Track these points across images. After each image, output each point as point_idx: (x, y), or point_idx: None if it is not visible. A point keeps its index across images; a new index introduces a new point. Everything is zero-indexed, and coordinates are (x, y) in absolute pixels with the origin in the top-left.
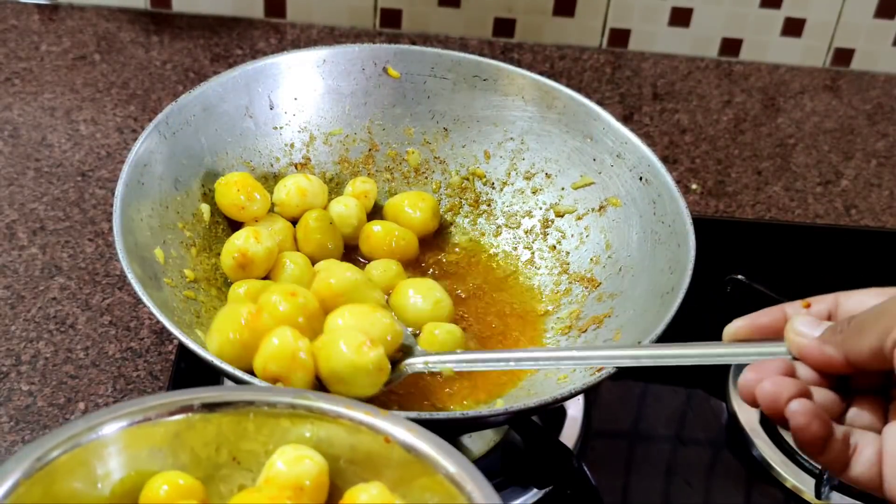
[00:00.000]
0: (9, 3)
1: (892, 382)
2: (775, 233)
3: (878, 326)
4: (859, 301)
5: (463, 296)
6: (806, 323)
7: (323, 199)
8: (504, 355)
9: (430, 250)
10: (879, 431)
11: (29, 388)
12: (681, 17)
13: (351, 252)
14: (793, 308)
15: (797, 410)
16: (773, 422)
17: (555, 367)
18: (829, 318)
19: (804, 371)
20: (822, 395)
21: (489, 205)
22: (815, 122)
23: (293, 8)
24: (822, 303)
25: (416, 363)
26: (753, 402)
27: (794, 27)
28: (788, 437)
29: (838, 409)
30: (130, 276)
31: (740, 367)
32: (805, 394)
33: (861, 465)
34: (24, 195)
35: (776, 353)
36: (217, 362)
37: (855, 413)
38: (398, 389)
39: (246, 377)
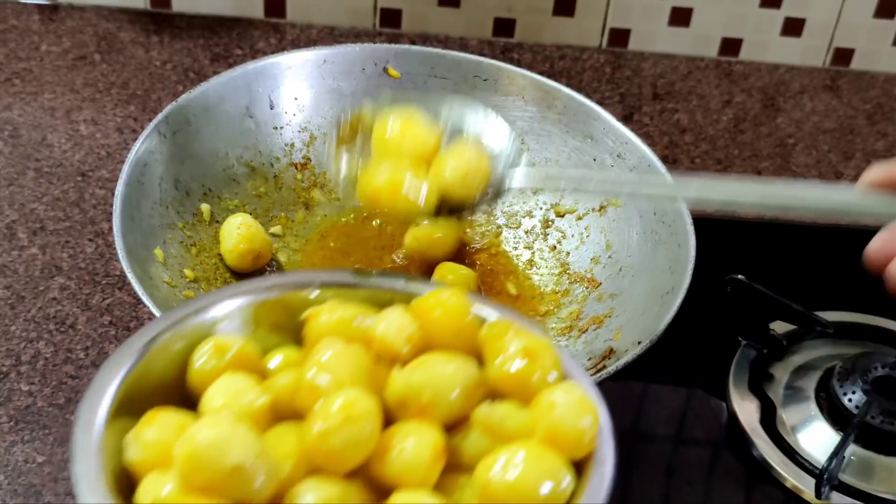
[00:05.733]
0: (9, 3)
1: None
2: (775, 233)
3: None
4: None
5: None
6: None
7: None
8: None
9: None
10: None
11: (29, 388)
12: (681, 17)
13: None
14: None
15: None
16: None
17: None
18: None
19: None
20: None
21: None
22: (814, 122)
23: (293, 8)
24: None
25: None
26: (879, 272)
27: (793, 27)
28: (788, 435)
29: None
30: (130, 276)
31: (739, 367)
32: None
33: None
34: (24, 195)
35: None
36: None
37: None
38: None
39: None
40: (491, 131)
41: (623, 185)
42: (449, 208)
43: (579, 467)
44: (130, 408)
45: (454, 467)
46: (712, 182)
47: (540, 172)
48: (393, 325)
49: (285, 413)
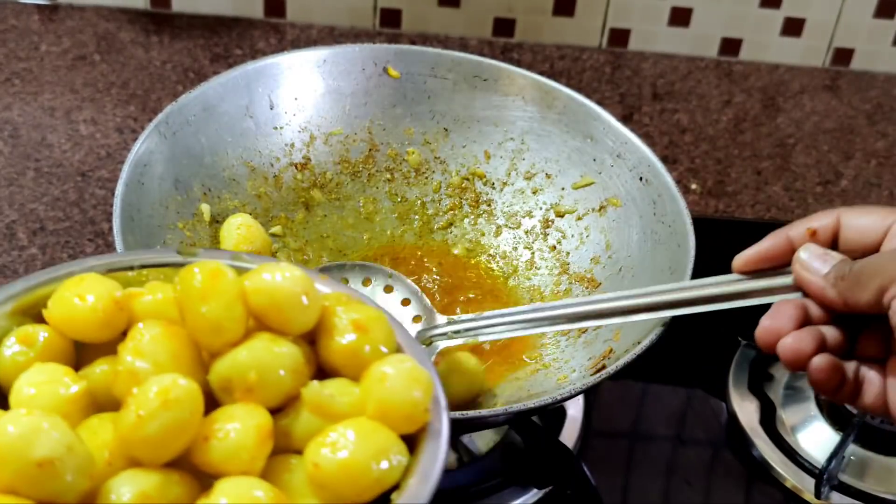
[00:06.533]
0: (9, 3)
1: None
2: None
3: (875, 282)
4: (859, 226)
5: (462, 297)
6: (812, 256)
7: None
8: (532, 315)
9: (431, 251)
10: (884, 361)
11: None
12: (681, 17)
13: None
14: (796, 232)
15: (817, 368)
16: (788, 369)
17: (567, 327)
18: (834, 238)
19: (815, 308)
20: (831, 333)
21: (489, 205)
22: (814, 122)
23: (293, 8)
24: (826, 227)
25: (441, 340)
26: (771, 350)
27: (793, 27)
28: (788, 436)
29: (845, 344)
30: None
31: (739, 367)
32: (821, 342)
33: (869, 396)
34: (24, 195)
35: (783, 285)
36: None
37: (863, 344)
38: None
39: None
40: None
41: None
42: None
43: (414, 442)
44: None
45: (285, 450)
46: (597, 297)
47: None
48: (220, 305)
49: (104, 403)
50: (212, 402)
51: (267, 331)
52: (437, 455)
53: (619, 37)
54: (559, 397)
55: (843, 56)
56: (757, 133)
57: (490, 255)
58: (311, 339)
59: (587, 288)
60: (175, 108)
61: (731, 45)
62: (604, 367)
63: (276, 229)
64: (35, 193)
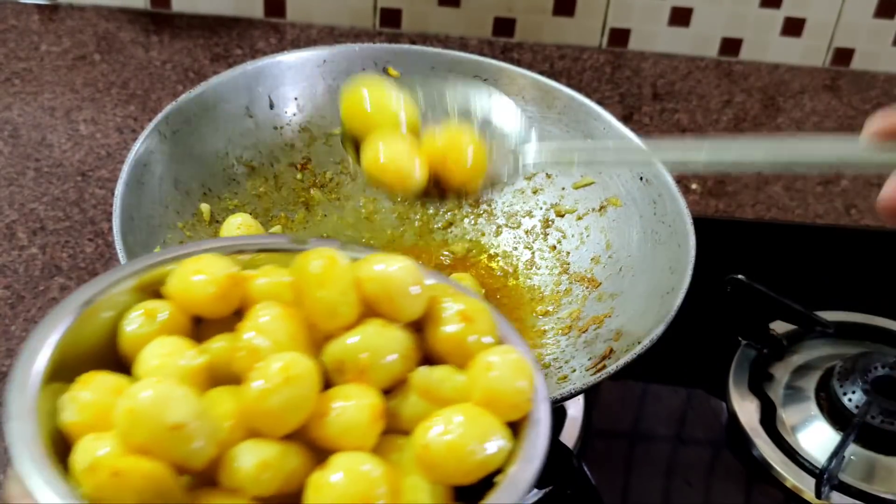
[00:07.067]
0: (9, 3)
1: None
2: (775, 233)
3: None
4: None
5: None
6: None
7: None
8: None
9: (430, 251)
10: None
11: None
12: (681, 17)
13: None
14: None
15: None
16: None
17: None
18: None
19: None
20: None
21: (489, 205)
22: (814, 122)
23: (293, 8)
24: None
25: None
26: (893, 216)
27: (794, 27)
28: (788, 435)
29: None
30: None
31: (739, 367)
32: None
33: None
34: (24, 195)
35: None
36: None
37: None
38: None
39: None
40: (499, 111)
41: (635, 152)
42: (451, 190)
43: (516, 429)
44: (64, 371)
45: (392, 430)
46: (722, 143)
47: (551, 146)
48: (335, 290)
49: (221, 377)
50: (324, 383)
51: (378, 317)
52: (538, 442)
53: (619, 37)
54: (559, 397)
55: (843, 56)
56: (757, 133)
57: (490, 254)
58: (418, 328)
59: (587, 288)
60: (175, 108)
61: (731, 45)
62: (604, 367)
63: (276, 229)
64: (35, 193)
